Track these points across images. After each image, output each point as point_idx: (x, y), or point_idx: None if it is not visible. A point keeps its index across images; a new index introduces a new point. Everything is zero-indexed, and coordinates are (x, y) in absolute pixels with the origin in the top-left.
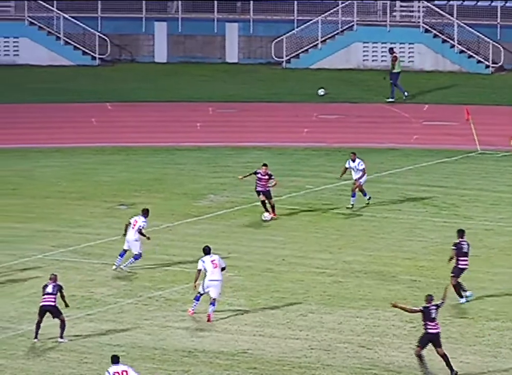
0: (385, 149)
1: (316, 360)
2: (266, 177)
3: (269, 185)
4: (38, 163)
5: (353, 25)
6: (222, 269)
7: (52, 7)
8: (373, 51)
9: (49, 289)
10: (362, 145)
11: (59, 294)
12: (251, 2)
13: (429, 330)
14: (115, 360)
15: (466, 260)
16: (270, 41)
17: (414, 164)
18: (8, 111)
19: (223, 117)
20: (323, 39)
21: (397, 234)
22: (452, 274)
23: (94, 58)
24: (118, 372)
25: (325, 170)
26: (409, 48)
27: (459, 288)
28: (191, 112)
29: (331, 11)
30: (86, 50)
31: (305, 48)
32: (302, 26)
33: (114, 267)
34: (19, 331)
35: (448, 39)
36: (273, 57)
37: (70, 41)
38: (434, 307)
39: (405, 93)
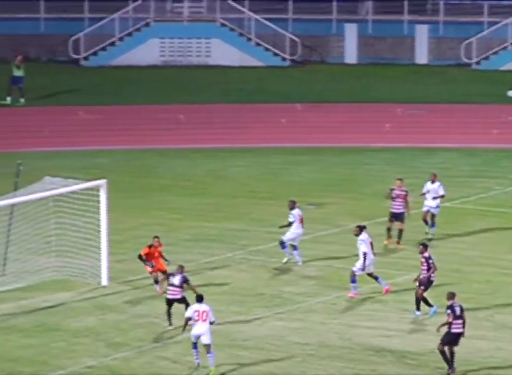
0: None
1: (503, 361)
2: (404, 193)
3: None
4: (229, 163)
5: None
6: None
7: (244, 8)
8: None
9: (176, 281)
10: None
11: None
12: (441, 3)
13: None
14: (199, 299)
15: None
16: (460, 43)
17: None
18: (199, 111)
19: (412, 118)
20: None
21: None
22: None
23: (284, 59)
24: (198, 310)
25: None
26: None
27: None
28: (380, 113)
29: None
30: (277, 51)
31: (495, 50)
32: (492, 28)
33: (285, 260)
34: None
35: None
36: (463, 58)
37: (260, 42)
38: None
39: None
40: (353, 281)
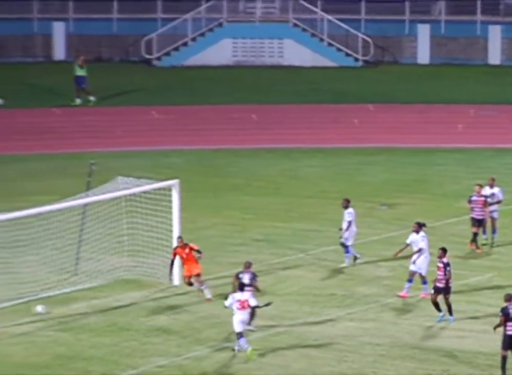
0: None
1: None
2: (482, 198)
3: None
4: (301, 163)
5: None
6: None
7: (317, 8)
8: None
9: (245, 280)
10: None
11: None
12: None
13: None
14: (241, 288)
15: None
16: None
17: None
18: (272, 111)
19: (484, 119)
20: None
21: None
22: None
23: (357, 60)
24: (240, 300)
25: None
26: None
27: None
28: (452, 114)
29: None
30: (349, 52)
31: None
32: None
33: (344, 265)
34: (280, 329)
35: None
36: None
37: (333, 42)
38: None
39: None
40: (424, 283)
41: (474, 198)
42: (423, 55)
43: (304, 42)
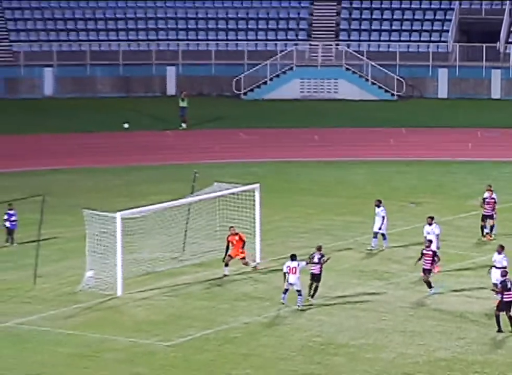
0: None
1: None
2: (493, 200)
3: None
4: (350, 172)
5: None
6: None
7: (363, 56)
8: None
9: (315, 259)
10: None
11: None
12: (511, 54)
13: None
14: (292, 258)
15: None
16: None
17: None
18: (329, 133)
19: (489, 139)
20: None
21: None
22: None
23: (393, 95)
24: (289, 266)
25: None
26: None
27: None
28: (464, 135)
29: None
30: (387, 89)
31: None
32: None
33: (370, 248)
34: (335, 295)
35: None
36: None
37: (375, 82)
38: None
39: None
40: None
41: (486, 199)
42: (442, 92)
43: (353, 82)
